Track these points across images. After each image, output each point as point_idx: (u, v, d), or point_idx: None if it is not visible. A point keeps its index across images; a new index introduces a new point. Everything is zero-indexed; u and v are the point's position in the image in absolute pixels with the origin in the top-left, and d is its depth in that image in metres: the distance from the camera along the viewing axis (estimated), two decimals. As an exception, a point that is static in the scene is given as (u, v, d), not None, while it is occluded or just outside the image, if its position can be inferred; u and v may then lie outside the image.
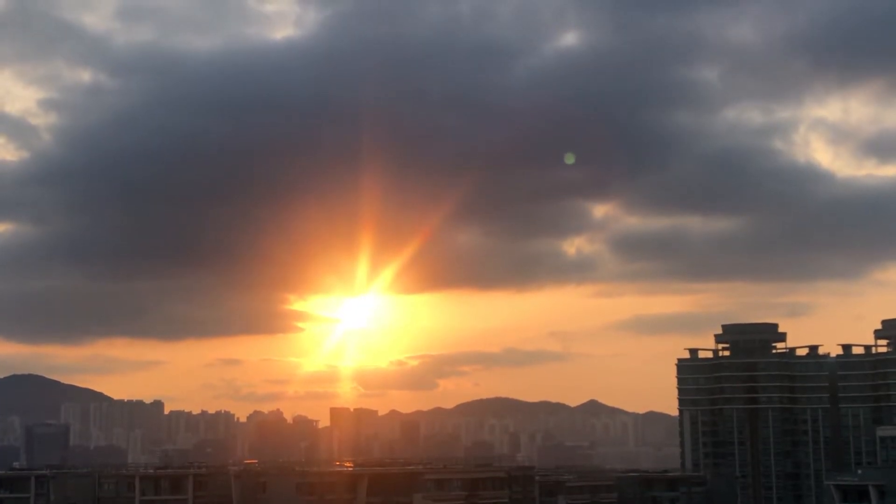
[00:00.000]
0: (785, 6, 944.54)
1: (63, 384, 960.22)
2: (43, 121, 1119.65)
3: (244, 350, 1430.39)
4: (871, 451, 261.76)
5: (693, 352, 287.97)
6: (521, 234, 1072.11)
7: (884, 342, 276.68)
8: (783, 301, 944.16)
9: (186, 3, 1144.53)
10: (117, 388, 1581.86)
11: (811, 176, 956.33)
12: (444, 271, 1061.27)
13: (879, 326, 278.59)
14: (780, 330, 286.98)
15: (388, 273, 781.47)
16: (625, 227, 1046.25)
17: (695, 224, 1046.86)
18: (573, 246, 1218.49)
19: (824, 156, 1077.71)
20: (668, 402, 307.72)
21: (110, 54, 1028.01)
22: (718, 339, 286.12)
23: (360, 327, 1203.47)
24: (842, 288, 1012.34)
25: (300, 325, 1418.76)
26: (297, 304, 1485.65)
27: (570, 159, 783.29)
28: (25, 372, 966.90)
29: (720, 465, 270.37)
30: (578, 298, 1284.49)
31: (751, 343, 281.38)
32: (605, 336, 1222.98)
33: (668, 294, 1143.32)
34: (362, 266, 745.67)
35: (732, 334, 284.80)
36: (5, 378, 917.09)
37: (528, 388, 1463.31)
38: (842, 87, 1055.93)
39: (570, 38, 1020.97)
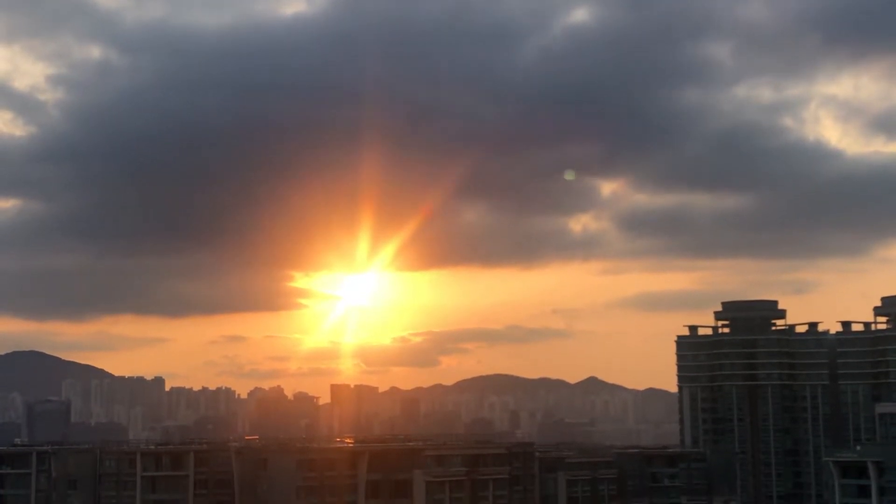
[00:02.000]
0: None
1: (64, 361, 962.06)
2: (51, 97, 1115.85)
3: (248, 327, 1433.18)
4: (871, 427, 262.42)
5: (693, 329, 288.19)
6: (528, 211, 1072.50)
7: (883, 319, 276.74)
8: (789, 278, 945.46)
9: None
10: (122, 364, 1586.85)
11: (819, 153, 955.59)
12: (450, 248, 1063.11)
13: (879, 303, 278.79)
14: (785, 307, 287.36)
15: (395, 250, 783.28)
16: (632, 204, 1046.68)
17: (702, 201, 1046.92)
18: (580, 223, 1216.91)
19: (833, 133, 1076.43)
20: (668, 379, 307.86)
21: (120, 31, 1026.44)
22: (718, 316, 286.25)
23: (364, 304, 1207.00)
24: (846, 265, 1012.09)
25: (305, 301, 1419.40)
26: (303, 282, 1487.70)
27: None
28: (29, 349, 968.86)
29: (719, 442, 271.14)
30: (584, 275, 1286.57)
31: (750, 320, 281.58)
32: (609, 313, 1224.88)
33: (674, 271, 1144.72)
34: (368, 243, 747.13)
35: (732, 311, 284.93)
36: (6, 354, 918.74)
37: (528, 364, 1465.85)
38: (853, 63, 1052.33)
39: (580, 15, 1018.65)
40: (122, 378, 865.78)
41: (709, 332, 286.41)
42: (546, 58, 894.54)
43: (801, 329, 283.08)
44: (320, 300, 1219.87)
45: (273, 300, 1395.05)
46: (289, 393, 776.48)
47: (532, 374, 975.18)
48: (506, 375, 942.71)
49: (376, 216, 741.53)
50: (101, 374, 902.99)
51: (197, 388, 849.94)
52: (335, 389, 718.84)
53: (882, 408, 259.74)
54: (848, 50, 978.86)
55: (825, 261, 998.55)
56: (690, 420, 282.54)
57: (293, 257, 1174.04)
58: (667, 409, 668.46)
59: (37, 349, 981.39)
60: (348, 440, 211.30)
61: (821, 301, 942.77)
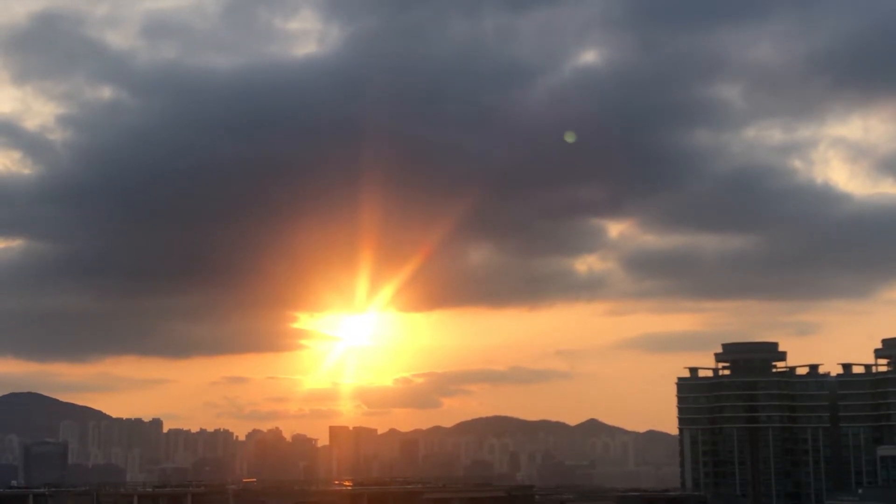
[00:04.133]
0: (806, 24, 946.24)
1: (62, 402, 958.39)
2: (60, 137, 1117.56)
3: (250, 368, 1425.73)
4: (872, 470, 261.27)
5: (693, 371, 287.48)
6: (535, 252, 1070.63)
7: (884, 361, 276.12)
8: (793, 320, 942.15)
9: (212, 21, 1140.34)
10: (122, 406, 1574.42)
11: (828, 195, 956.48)
12: (456, 289, 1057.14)
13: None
14: (789, 349, 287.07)
15: (400, 291, 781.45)
16: (639, 245, 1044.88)
17: (709, 242, 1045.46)
18: (586, 264, 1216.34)
19: (841, 175, 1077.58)
20: (668, 421, 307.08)
21: (132, 72, 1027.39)
22: (719, 357, 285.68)
23: (367, 345, 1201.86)
24: (851, 307, 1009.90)
25: (308, 342, 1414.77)
26: (307, 322, 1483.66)
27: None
28: (27, 390, 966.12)
29: (720, 485, 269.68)
30: (590, 316, 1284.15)
31: (751, 362, 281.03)
32: (613, 354, 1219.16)
33: (679, 312, 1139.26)
34: (374, 284, 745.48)
35: (733, 353, 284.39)
36: (4, 396, 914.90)
37: (528, 406, 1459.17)
38: (862, 105, 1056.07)
39: (590, 57, 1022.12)
40: (119, 420, 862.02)
41: (709, 374, 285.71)
42: (555, 98, 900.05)
43: (802, 371, 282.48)
44: (324, 341, 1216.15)
45: (276, 341, 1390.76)
46: (287, 435, 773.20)
47: (532, 415, 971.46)
48: (505, 417, 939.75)
49: (382, 257, 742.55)
50: (98, 415, 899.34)
51: (196, 429, 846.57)
52: (334, 431, 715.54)
53: (883, 450, 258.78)
54: (857, 91, 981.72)
55: (830, 302, 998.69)
56: (691, 462, 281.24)
57: (297, 298, 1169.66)
58: (667, 451, 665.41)
59: (35, 391, 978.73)
60: (347, 483, 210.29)
61: (824, 343, 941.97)
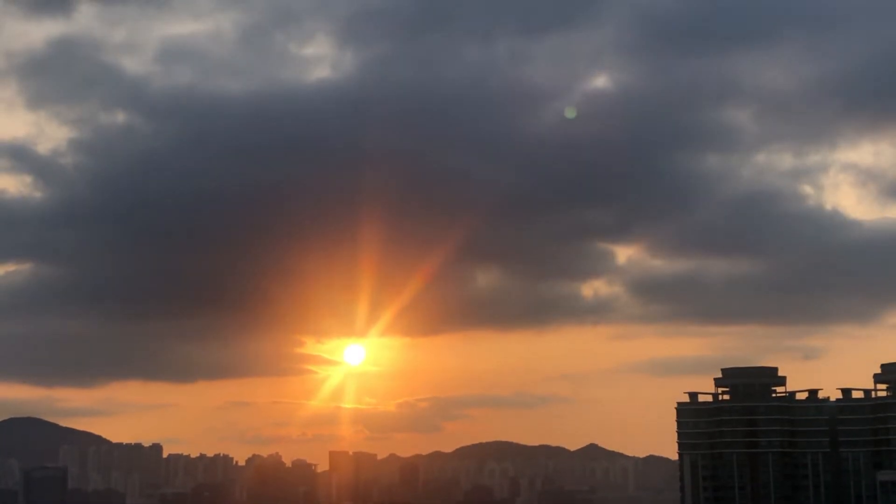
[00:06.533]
0: (816, 49, 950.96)
1: (62, 427, 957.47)
2: (72, 161, 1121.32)
3: (255, 392, 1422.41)
4: (872, 495, 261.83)
5: (693, 395, 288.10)
6: (541, 276, 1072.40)
7: (883, 386, 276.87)
8: (799, 344, 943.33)
9: (228, 46, 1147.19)
10: (124, 431, 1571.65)
11: (837, 220, 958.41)
12: (462, 313, 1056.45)
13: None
14: (794, 373, 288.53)
15: (407, 315, 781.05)
16: (647, 269, 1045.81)
17: (717, 267, 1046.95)
18: (592, 288, 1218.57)
19: (850, 199, 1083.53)
20: (668, 445, 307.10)
21: (147, 97, 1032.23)
22: (718, 382, 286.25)
23: (372, 370, 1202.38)
24: (857, 331, 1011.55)
25: (314, 367, 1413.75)
26: (313, 347, 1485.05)
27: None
28: (28, 415, 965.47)
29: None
30: (595, 341, 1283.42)
31: (750, 387, 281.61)
32: (618, 379, 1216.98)
33: (685, 337, 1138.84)
34: (382, 308, 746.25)
35: (732, 378, 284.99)
36: (4, 421, 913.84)
37: (529, 431, 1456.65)
38: (873, 130, 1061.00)
39: (601, 81, 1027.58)
40: (119, 444, 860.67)
41: (709, 398, 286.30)
42: (565, 122, 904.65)
43: (802, 396, 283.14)
44: (329, 365, 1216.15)
45: (281, 365, 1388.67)
46: (287, 460, 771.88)
47: (532, 440, 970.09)
48: (505, 442, 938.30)
49: (389, 281, 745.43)
50: (98, 440, 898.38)
51: (194, 454, 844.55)
52: (333, 456, 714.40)
53: (883, 475, 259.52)
54: (867, 116, 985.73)
55: (835, 327, 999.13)
56: (691, 488, 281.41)
57: (304, 323, 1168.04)
58: (667, 476, 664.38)
59: (40, 415, 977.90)
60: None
61: (828, 367, 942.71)
